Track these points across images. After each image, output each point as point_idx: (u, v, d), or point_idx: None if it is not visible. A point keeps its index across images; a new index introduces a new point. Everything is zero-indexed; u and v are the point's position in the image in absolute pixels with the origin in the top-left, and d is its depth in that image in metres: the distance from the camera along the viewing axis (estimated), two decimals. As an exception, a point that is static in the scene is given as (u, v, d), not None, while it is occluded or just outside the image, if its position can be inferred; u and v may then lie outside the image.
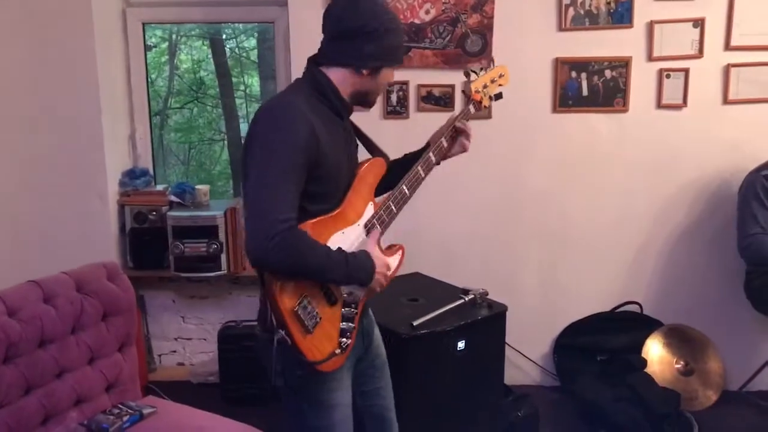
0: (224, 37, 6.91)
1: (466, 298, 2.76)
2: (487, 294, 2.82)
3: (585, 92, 3.36)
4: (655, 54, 3.31)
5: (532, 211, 3.51)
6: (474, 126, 3.31)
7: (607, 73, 3.34)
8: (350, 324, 1.83)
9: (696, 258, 3.52)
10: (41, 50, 3.33)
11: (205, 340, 3.84)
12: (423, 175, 1.98)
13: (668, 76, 3.33)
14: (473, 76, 2.15)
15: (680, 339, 3.48)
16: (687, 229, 3.50)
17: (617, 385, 3.24)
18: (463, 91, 2.16)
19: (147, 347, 3.79)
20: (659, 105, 3.38)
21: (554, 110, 3.40)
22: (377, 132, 3.29)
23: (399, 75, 3.30)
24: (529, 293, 3.58)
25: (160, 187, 3.73)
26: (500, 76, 2.20)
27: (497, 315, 2.76)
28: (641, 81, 3.35)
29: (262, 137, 1.66)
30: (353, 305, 1.84)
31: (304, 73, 1.83)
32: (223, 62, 6.87)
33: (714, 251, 3.49)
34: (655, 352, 3.46)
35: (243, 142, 1.74)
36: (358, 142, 1.98)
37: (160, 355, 3.87)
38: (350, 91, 1.82)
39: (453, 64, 3.30)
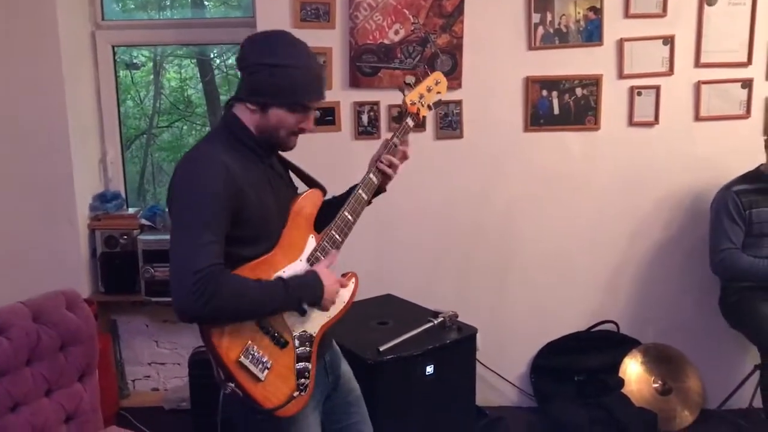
0: (211, 56, 6.89)
1: (435, 321, 2.71)
2: (457, 316, 2.77)
3: (556, 111, 3.34)
4: (626, 71, 3.29)
5: (507, 230, 3.48)
6: (446, 146, 3.37)
7: (578, 91, 3.32)
8: (307, 364, 1.76)
9: (671, 275, 3.49)
10: (7, 72, 3.29)
11: (179, 364, 3.78)
12: (365, 198, 1.90)
13: (639, 94, 3.31)
14: (408, 89, 2.07)
15: (658, 358, 3.44)
16: (661, 246, 3.47)
17: (593, 406, 3.20)
18: (399, 105, 2.07)
19: (120, 373, 3.72)
20: (631, 122, 3.36)
21: (526, 129, 3.37)
22: (349, 152, 3.32)
23: (370, 95, 3.32)
24: (505, 313, 3.53)
25: (132, 211, 3.68)
26: (436, 83, 2.11)
27: (467, 338, 2.72)
28: (612, 99, 3.33)
29: (180, 191, 1.63)
30: (308, 343, 1.77)
31: (222, 113, 1.79)
32: (210, 80, 6.84)
33: (689, 268, 3.46)
34: (633, 371, 3.41)
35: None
36: (294, 174, 1.93)
37: (133, 381, 3.81)
38: (252, 128, 1.75)
39: (424, 84, 3.27)
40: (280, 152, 1.87)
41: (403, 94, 2.06)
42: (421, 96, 2.07)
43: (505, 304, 3.53)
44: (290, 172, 1.93)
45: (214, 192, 1.58)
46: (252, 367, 1.62)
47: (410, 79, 2.09)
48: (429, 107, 2.10)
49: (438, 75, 2.12)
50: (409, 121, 2.04)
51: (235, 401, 1.66)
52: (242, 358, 1.61)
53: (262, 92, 1.71)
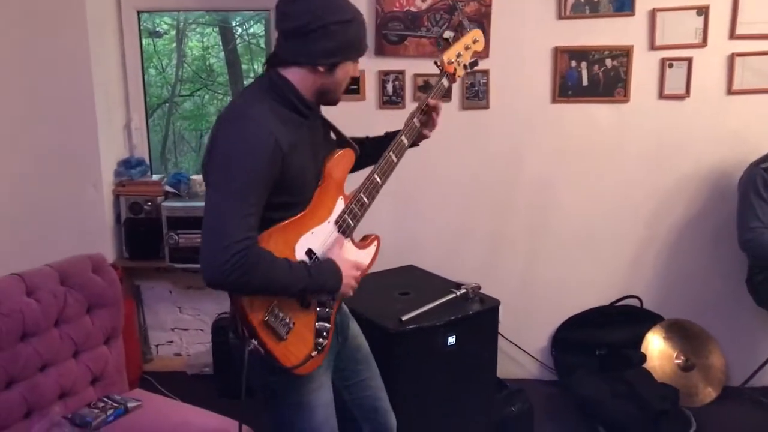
0: (233, 24, 6.87)
1: (458, 293, 2.71)
2: (480, 288, 2.77)
3: (585, 82, 3.29)
4: (658, 43, 3.23)
5: (531, 202, 3.46)
6: (472, 116, 3.35)
7: (608, 63, 3.27)
8: (326, 324, 1.78)
9: (698, 251, 3.46)
10: (33, 38, 3.31)
11: (201, 330, 3.83)
12: (395, 161, 1.88)
13: (671, 66, 3.25)
14: (445, 46, 2.01)
15: (681, 334, 3.43)
16: (688, 222, 3.43)
17: (615, 380, 3.20)
18: (435, 63, 2.03)
19: (143, 337, 3.78)
20: (661, 95, 3.30)
21: (554, 100, 3.33)
22: (373, 122, 3.29)
23: (395, 64, 3.28)
24: (528, 285, 3.53)
25: (156, 177, 3.71)
26: (474, 41, 2.05)
27: (489, 310, 2.72)
28: (643, 70, 3.28)
29: (222, 153, 1.58)
30: (328, 305, 1.79)
31: (262, 75, 1.75)
32: (232, 49, 6.83)
33: (716, 245, 3.42)
34: (655, 346, 3.40)
35: (205, 149, 1.66)
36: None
37: (157, 346, 3.87)
38: (311, 91, 1.72)
39: (450, 53, 3.24)
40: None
41: (441, 51, 2.00)
42: (459, 54, 2.02)
43: (528, 276, 3.53)
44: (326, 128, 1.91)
45: (260, 158, 1.55)
46: (276, 327, 1.64)
47: (448, 34, 2.04)
48: (465, 67, 2.04)
49: (477, 33, 2.06)
50: (445, 82, 2.00)
51: (254, 359, 1.67)
52: (268, 318, 1.62)
53: (335, 52, 1.68)
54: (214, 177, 1.59)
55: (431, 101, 1.96)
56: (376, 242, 1.94)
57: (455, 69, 2.02)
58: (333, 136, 1.91)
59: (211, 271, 1.52)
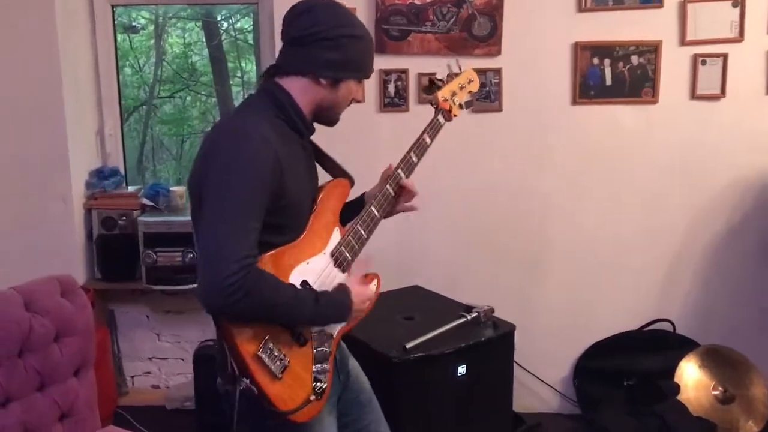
0: (218, 18, 6.91)
1: (469, 317, 2.73)
2: (493, 311, 2.78)
3: (609, 81, 3.31)
4: (689, 37, 3.25)
5: (549, 217, 3.47)
6: (482, 120, 3.37)
7: (634, 60, 3.28)
8: (324, 365, 1.79)
9: (736, 269, 3.46)
10: (-3, 34, 3.33)
11: (182, 360, 3.82)
12: (392, 194, 1.96)
13: (704, 63, 3.27)
14: (439, 84, 2.13)
15: (719, 362, 3.41)
16: (725, 237, 3.43)
17: (645, 414, 3.20)
18: (430, 102, 2.11)
19: (117, 368, 3.77)
20: (693, 95, 3.32)
21: (574, 102, 3.35)
22: (373, 126, 3.32)
23: (397, 62, 3.30)
24: (547, 309, 3.53)
25: (132, 189, 3.72)
26: (469, 81, 2.17)
27: (504, 335, 2.73)
28: (673, 68, 3.30)
29: (221, 166, 1.62)
30: (326, 344, 1.81)
31: (260, 86, 1.82)
32: (217, 45, 6.87)
33: (759, 262, 3.43)
34: (690, 376, 3.39)
35: (196, 163, 1.70)
36: (320, 164, 1.98)
37: (132, 377, 3.86)
38: (310, 105, 1.79)
39: (458, 50, 3.25)
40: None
41: (434, 89, 2.11)
42: (453, 93, 2.12)
43: (547, 298, 3.53)
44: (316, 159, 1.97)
45: (262, 173, 1.60)
46: (269, 363, 1.64)
47: (441, 76, 2.15)
48: (461, 106, 2.15)
49: (471, 73, 2.18)
50: (441, 119, 2.08)
51: (248, 406, 1.67)
52: (260, 353, 1.63)
53: (341, 65, 1.76)
54: (212, 193, 1.62)
55: (428, 140, 2.02)
56: (376, 281, 1.97)
57: (451, 107, 2.11)
58: (323, 167, 1.97)
59: (211, 293, 1.54)
